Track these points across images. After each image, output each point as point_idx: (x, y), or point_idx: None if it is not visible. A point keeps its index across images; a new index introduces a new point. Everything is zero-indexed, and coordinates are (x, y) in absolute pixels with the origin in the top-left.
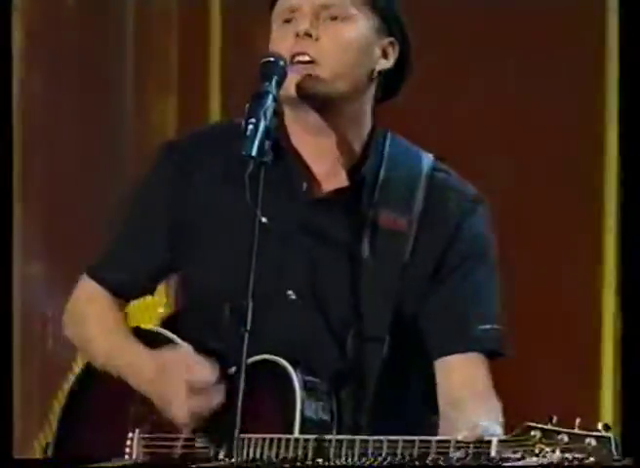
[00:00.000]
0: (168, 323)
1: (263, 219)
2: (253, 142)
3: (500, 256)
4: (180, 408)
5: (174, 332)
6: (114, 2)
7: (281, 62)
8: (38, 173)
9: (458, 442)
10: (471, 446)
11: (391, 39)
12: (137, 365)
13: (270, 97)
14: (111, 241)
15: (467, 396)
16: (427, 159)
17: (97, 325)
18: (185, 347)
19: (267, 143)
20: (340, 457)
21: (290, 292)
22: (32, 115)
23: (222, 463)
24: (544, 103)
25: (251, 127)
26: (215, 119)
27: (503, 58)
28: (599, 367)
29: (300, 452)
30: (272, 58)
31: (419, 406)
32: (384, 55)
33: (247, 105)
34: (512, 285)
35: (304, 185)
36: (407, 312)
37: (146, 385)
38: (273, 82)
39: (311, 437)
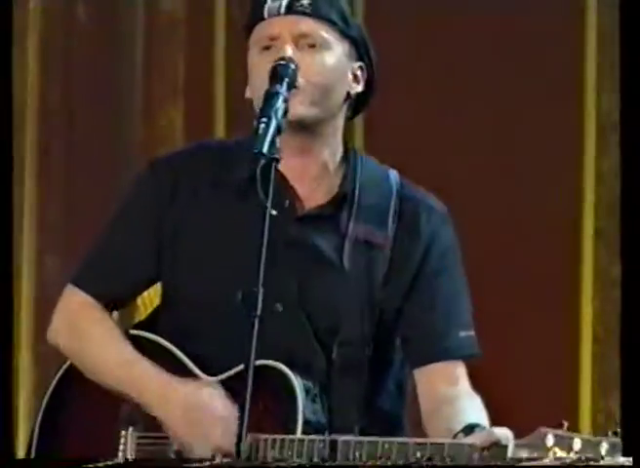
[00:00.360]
0: (143, 326)
1: (274, 212)
2: (264, 140)
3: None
4: (212, 449)
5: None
6: (125, 18)
7: (292, 65)
8: (56, 174)
9: (471, 446)
10: (487, 451)
11: (361, 63)
12: (161, 398)
13: (281, 97)
14: (98, 254)
15: (456, 394)
16: (393, 175)
17: (104, 344)
18: (217, 394)
19: (278, 141)
20: (349, 458)
21: (277, 305)
22: (50, 121)
23: (219, 463)
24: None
25: (262, 125)
26: (219, 126)
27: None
28: (578, 364)
29: (312, 453)
30: (284, 62)
31: (396, 402)
32: (355, 78)
33: (261, 100)
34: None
35: (287, 203)
36: (388, 320)
37: (172, 420)
38: (284, 84)
39: (326, 438)
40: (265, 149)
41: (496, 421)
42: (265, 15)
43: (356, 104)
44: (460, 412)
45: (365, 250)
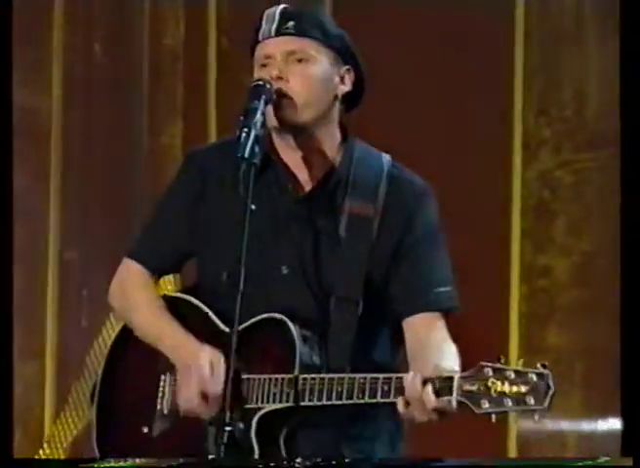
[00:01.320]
0: (186, 292)
1: (252, 207)
2: (245, 147)
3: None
4: (185, 400)
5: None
6: (133, 52)
7: (267, 85)
8: (76, 181)
9: (424, 378)
10: (436, 381)
11: (347, 67)
12: (174, 353)
13: (259, 112)
14: (147, 231)
15: (432, 343)
16: (385, 159)
17: (145, 306)
18: (213, 356)
19: (257, 148)
20: (329, 392)
21: (283, 268)
22: (72, 136)
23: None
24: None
25: (244, 135)
26: (212, 139)
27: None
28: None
29: (300, 389)
30: (260, 82)
31: (386, 352)
32: (342, 81)
33: (240, 118)
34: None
35: (290, 186)
36: (376, 280)
37: (179, 361)
38: (261, 100)
39: (288, 375)
40: (247, 154)
41: None
42: (260, 38)
43: (349, 101)
44: (434, 357)
45: (357, 221)
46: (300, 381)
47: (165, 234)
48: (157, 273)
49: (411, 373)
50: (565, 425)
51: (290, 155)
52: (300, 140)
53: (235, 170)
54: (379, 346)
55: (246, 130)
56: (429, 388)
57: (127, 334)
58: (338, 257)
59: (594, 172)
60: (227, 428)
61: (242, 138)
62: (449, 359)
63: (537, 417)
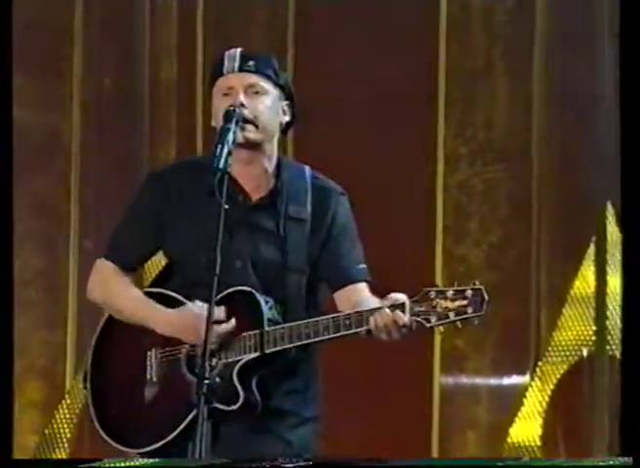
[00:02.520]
0: (154, 284)
1: (226, 206)
2: (220, 159)
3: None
4: (197, 340)
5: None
6: (136, 84)
7: (237, 110)
8: (92, 185)
9: (377, 308)
10: (389, 308)
11: (288, 102)
12: (161, 320)
13: (231, 131)
14: (118, 236)
15: (368, 297)
16: (307, 170)
17: (128, 295)
18: (189, 312)
19: (229, 160)
20: (298, 336)
21: (237, 262)
22: (89, 151)
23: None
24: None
25: (218, 150)
26: (199, 153)
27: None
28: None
29: (270, 338)
30: (233, 107)
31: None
32: (285, 113)
33: (219, 133)
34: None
35: (240, 198)
36: (313, 264)
37: (169, 329)
38: (233, 121)
39: (259, 331)
40: (221, 165)
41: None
42: (224, 72)
43: (285, 128)
44: (367, 304)
45: (294, 223)
46: (271, 332)
47: (133, 237)
48: (129, 269)
49: (377, 302)
50: (479, 382)
51: (239, 170)
52: (249, 157)
53: (199, 180)
54: (318, 309)
55: (220, 146)
56: (398, 312)
57: (109, 326)
58: (280, 252)
59: (500, 180)
60: (206, 381)
61: (217, 153)
62: (377, 300)
63: (476, 322)
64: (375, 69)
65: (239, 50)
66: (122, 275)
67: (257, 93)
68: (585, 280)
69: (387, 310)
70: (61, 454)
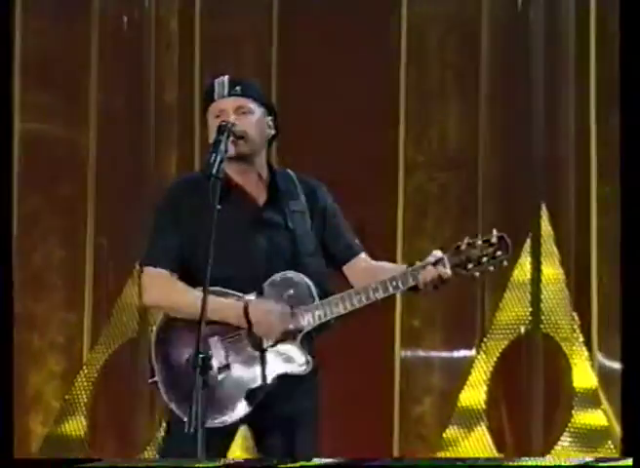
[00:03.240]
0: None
1: (219, 207)
2: (213, 166)
3: None
4: (266, 334)
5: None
6: (144, 108)
7: (228, 125)
8: (106, 191)
9: (422, 266)
10: (432, 265)
11: (272, 117)
12: (222, 313)
13: (223, 143)
14: (158, 247)
15: (373, 266)
16: (289, 171)
17: (189, 294)
18: (270, 304)
19: (221, 167)
20: (350, 300)
21: (261, 254)
22: (105, 165)
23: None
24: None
25: (212, 158)
26: (196, 168)
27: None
28: None
29: (328, 307)
30: (224, 123)
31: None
32: (270, 127)
33: (213, 145)
34: None
35: (249, 202)
36: (319, 245)
37: (243, 320)
38: (225, 134)
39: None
40: (214, 172)
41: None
42: (215, 97)
43: (271, 140)
44: (382, 267)
45: (296, 215)
46: (326, 302)
47: (172, 245)
48: (176, 272)
49: (392, 265)
50: (433, 355)
51: (243, 178)
52: (245, 167)
53: (202, 196)
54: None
55: (214, 155)
56: (440, 267)
57: (166, 326)
58: (293, 241)
59: (451, 185)
60: (200, 355)
61: (211, 161)
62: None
63: (505, 263)
64: (347, 90)
65: (227, 77)
66: (176, 279)
67: (244, 113)
68: (523, 269)
69: (431, 267)
70: (80, 416)
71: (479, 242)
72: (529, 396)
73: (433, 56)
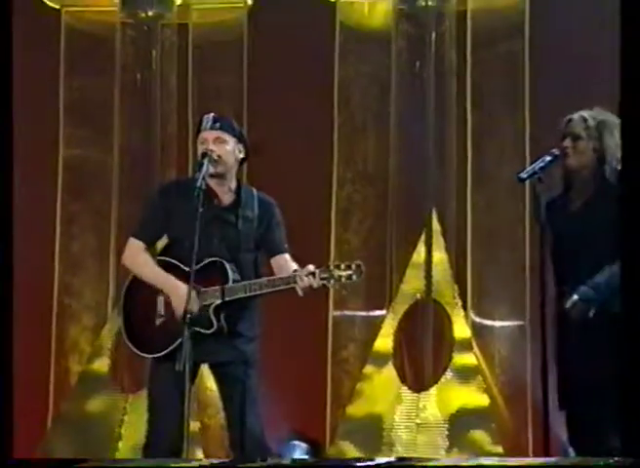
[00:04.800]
0: (162, 253)
1: (200, 209)
2: (198, 180)
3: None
4: (177, 305)
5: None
6: (152, 134)
7: (208, 153)
8: (124, 197)
9: (298, 275)
10: (305, 276)
11: (242, 145)
12: (163, 281)
13: (205, 164)
14: (141, 224)
15: (290, 262)
16: (254, 190)
17: (146, 262)
18: (181, 288)
19: (203, 183)
20: (252, 288)
21: (214, 242)
22: (122, 176)
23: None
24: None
25: (198, 174)
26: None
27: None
28: None
29: (234, 290)
30: (205, 152)
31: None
32: (240, 152)
33: (198, 166)
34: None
35: (216, 202)
36: (257, 245)
37: (167, 290)
38: (206, 159)
39: (220, 287)
40: (198, 185)
41: None
42: (202, 129)
43: (242, 162)
44: (290, 268)
45: (246, 220)
46: (232, 287)
47: (153, 224)
48: (150, 244)
49: (300, 272)
50: (356, 314)
51: (215, 187)
52: (220, 180)
53: (187, 192)
54: (259, 274)
55: (198, 174)
56: (311, 278)
57: (135, 279)
58: (238, 239)
59: (370, 195)
60: (188, 315)
61: (197, 177)
62: (295, 264)
63: (355, 279)
64: (299, 127)
65: (212, 115)
66: (145, 251)
67: (221, 142)
68: (419, 254)
69: (306, 277)
70: (105, 358)
71: (342, 265)
72: (422, 343)
73: (357, 102)
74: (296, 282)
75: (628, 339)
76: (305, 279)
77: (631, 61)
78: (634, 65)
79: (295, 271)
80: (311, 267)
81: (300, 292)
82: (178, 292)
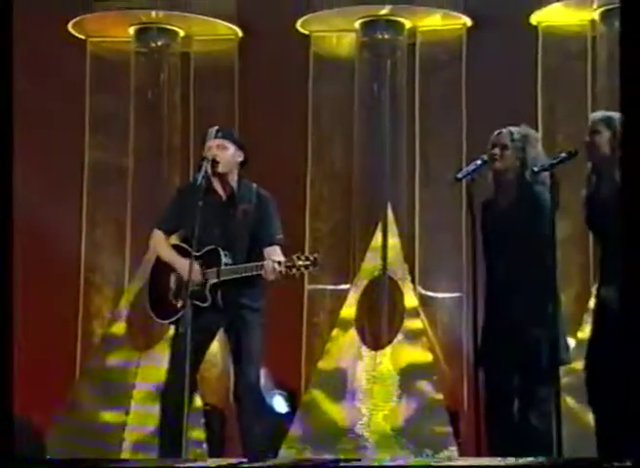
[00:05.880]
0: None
1: (200, 203)
2: (198, 179)
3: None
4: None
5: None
6: (163, 146)
7: (208, 158)
8: (140, 195)
9: (266, 263)
10: (272, 263)
11: (241, 151)
12: (174, 261)
13: (204, 166)
14: (163, 217)
15: (277, 251)
16: (253, 185)
17: (164, 246)
18: (184, 263)
19: (203, 181)
20: (238, 271)
21: (216, 230)
22: (137, 177)
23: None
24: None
25: (199, 175)
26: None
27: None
28: None
29: (225, 271)
30: (207, 156)
31: (259, 258)
32: (239, 156)
33: (199, 167)
34: None
35: (217, 198)
36: (252, 235)
37: (178, 267)
38: (205, 161)
39: (216, 269)
40: (199, 183)
41: None
42: (208, 138)
43: (242, 164)
44: (277, 255)
45: (243, 213)
46: (223, 269)
47: (170, 218)
48: (168, 234)
49: (269, 261)
50: (325, 287)
51: (218, 185)
52: (222, 179)
53: (193, 192)
54: (253, 256)
55: (200, 173)
56: (277, 265)
57: (155, 265)
58: (234, 228)
59: (336, 192)
60: (189, 288)
61: (198, 178)
62: (280, 255)
63: (312, 269)
64: (278, 132)
65: (216, 127)
66: (165, 239)
67: (223, 148)
68: (377, 240)
69: (272, 264)
70: (122, 322)
71: (303, 257)
72: (379, 311)
73: (327, 116)
74: (264, 269)
75: (629, 340)
76: (271, 266)
77: (631, 61)
78: (634, 65)
79: (273, 262)
80: (278, 258)
81: (268, 277)
82: (185, 268)
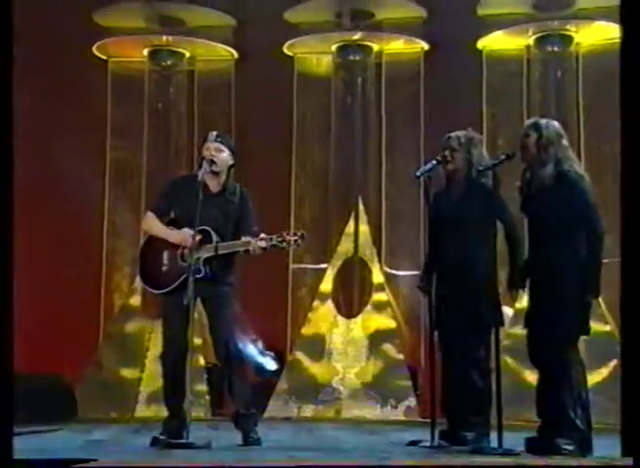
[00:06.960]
0: (169, 223)
1: (200, 196)
2: (199, 175)
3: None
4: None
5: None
6: (170, 149)
7: (207, 158)
8: (152, 187)
9: (253, 240)
10: (259, 240)
11: (233, 155)
12: (172, 236)
13: (204, 165)
14: (156, 202)
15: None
16: (237, 185)
17: (158, 225)
18: (183, 233)
19: (203, 177)
20: (228, 247)
21: (205, 218)
22: (150, 169)
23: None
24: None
25: (199, 172)
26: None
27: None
28: None
29: (218, 247)
30: (206, 157)
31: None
32: (231, 159)
33: (199, 165)
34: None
35: (208, 191)
36: (236, 224)
37: (171, 238)
38: (204, 161)
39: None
40: (199, 179)
41: None
42: (206, 141)
43: (230, 167)
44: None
45: (229, 204)
46: (219, 245)
47: (162, 202)
48: (160, 216)
49: (254, 239)
50: (308, 267)
51: (210, 181)
52: (214, 177)
53: (191, 183)
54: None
55: (200, 170)
56: (261, 242)
57: (149, 238)
58: (223, 216)
59: (313, 194)
60: (184, 264)
61: (199, 174)
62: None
63: (300, 243)
64: (268, 137)
65: (215, 132)
66: (156, 219)
67: (219, 151)
68: (350, 227)
69: (257, 241)
70: (138, 295)
71: (291, 233)
72: (351, 286)
73: (308, 124)
74: (248, 245)
75: (628, 339)
76: (252, 243)
77: (632, 61)
78: (634, 65)
79: (255, 238)
80: (262, 235)
81: (252, 252)
82: (178, 235)
